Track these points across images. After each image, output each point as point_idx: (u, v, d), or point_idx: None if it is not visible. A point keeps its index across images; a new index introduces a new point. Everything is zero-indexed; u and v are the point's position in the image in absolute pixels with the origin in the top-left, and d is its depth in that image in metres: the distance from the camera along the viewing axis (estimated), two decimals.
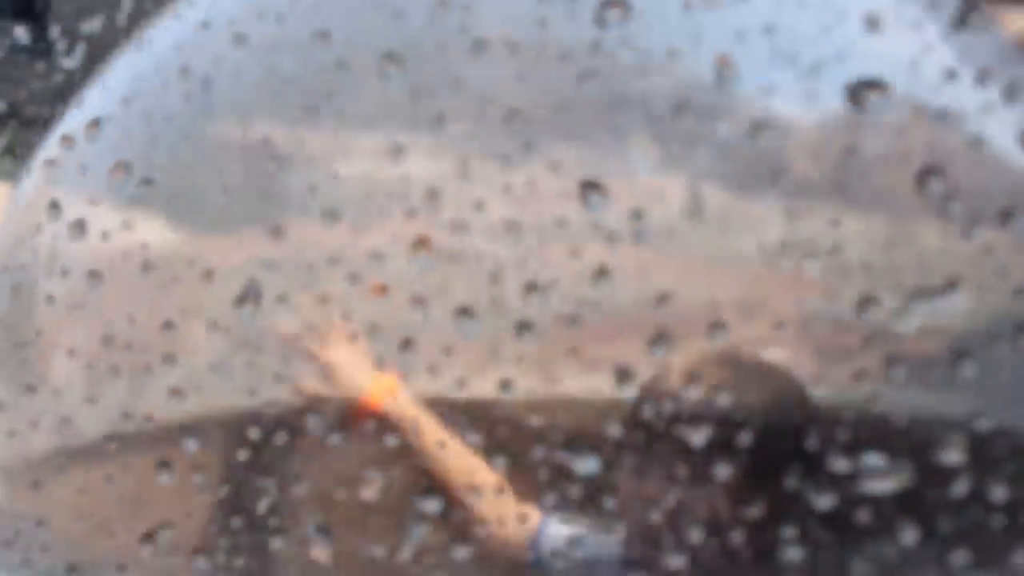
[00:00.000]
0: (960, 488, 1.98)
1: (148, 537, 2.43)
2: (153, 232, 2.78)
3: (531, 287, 2.33)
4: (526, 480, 2.44)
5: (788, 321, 2.36)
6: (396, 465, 2.58)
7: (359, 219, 2.58)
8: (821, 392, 2.42)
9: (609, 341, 2.48)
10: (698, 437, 2.23)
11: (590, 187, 2.29)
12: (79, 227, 2.77)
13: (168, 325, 2.71)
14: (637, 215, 2.28)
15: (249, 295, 2.53)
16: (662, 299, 2.28)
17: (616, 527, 2.54)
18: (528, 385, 2.46)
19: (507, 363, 2.41)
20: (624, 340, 2.43)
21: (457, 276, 2.47)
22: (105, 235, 2.77)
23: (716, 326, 2.24)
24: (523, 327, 2.33)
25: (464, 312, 2.30)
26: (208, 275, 2.66)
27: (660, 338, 2.26)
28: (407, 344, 2.40)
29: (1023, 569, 2.03)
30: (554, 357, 2.52)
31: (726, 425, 2.22)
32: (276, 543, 2.51)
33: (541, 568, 2.71)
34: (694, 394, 2.28)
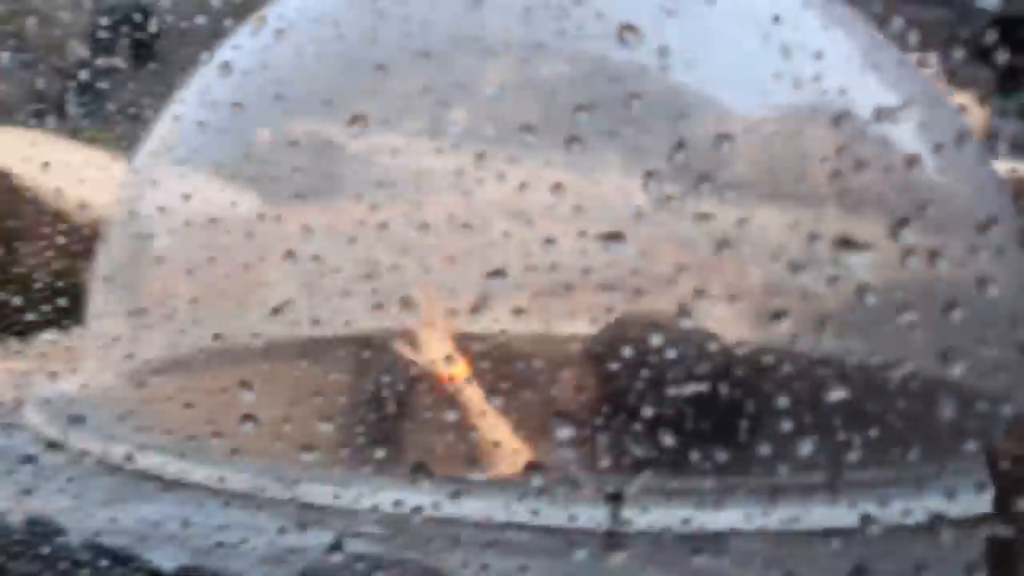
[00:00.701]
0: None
1: (215, 435, 2.74)
2: (241, 197, 3.31)
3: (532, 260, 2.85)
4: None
5: None
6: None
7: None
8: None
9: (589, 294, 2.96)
10: None
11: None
12: (184, 191, 3.28)
13: (247, 267, 3.26)
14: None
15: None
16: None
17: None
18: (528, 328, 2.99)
19: (505, 314, 2.85)
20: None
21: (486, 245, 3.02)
22: (205, 200, 3.29)
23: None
24: (518, 286, 2.84)
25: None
26: (275, 232, 3.18)
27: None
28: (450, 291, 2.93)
29: None
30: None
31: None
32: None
33: None
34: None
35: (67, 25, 14.61)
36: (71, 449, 2.87)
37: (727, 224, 2.84)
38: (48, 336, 4.13)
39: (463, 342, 2.97)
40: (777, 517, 2.45)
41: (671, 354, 2.69)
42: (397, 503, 2.50)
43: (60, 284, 4.78)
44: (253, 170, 3.32)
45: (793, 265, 2.92)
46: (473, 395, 2.83)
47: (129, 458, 2.76)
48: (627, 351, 2.72)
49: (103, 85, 14.27)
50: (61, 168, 5.08)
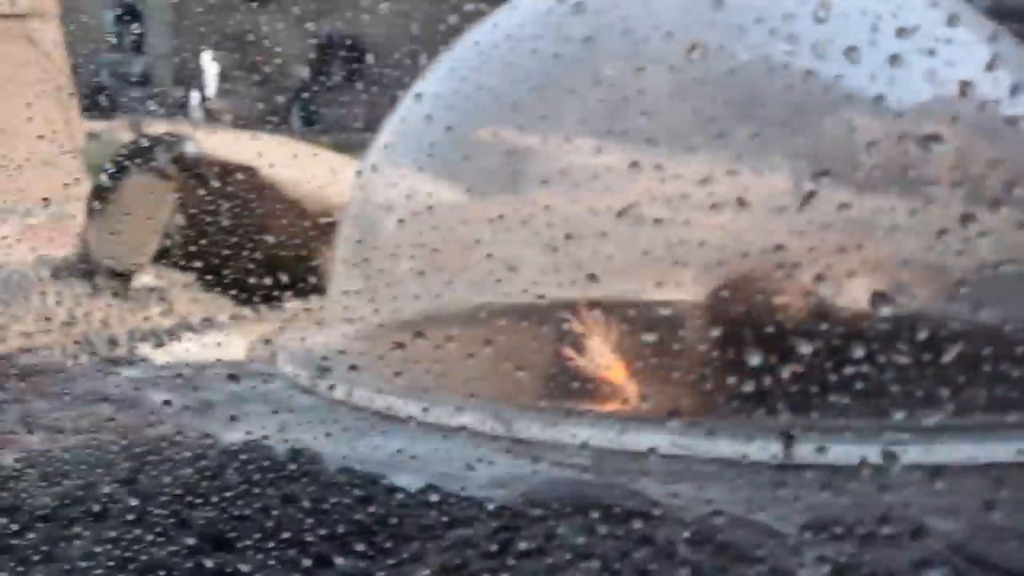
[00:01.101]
0: None
1: (439, 381, 2.77)
2: (450, 190, 3.32)
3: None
4: None
5: None
6: None
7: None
8: None
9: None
10: None
11: None
12: (404, 184, 3.31)
13: (455, 247, 3.24)
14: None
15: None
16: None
17: None
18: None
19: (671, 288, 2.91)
20: None
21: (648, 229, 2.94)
22: (422, 191, 3.30)
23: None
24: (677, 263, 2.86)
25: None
26: (477, 218, 3.21)
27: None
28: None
29: None
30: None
31: None
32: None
33: None
34: None
35: (289, 52, 14.84)
36: (320, 393, 2.86)
37: (864, 212, 2.81)
38: (292, 304, 4.15)
39: (632, 309, 2.93)
40: (936, 453, 2.38)
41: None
42: (598, 438, 2.45)
43: (300, 263, 4.83)
44: (460, 167, 3.31)
45: (925, 245, 2.82)
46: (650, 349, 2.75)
47: (369, 400, 2.74)
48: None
49: (320, 101, 14.47)
50: (296, 166, 5.15)
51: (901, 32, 2.89)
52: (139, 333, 3.51)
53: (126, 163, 4.38)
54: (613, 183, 3.08)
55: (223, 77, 14.19)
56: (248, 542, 1.78)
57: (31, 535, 1.81)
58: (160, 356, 3.26)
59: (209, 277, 4.69)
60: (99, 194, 4.31)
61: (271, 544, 1.79)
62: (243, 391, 2.89)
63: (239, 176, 5.01)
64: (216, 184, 5.13)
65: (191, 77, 14.15)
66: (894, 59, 2.83)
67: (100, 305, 4.66)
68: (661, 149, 3.03)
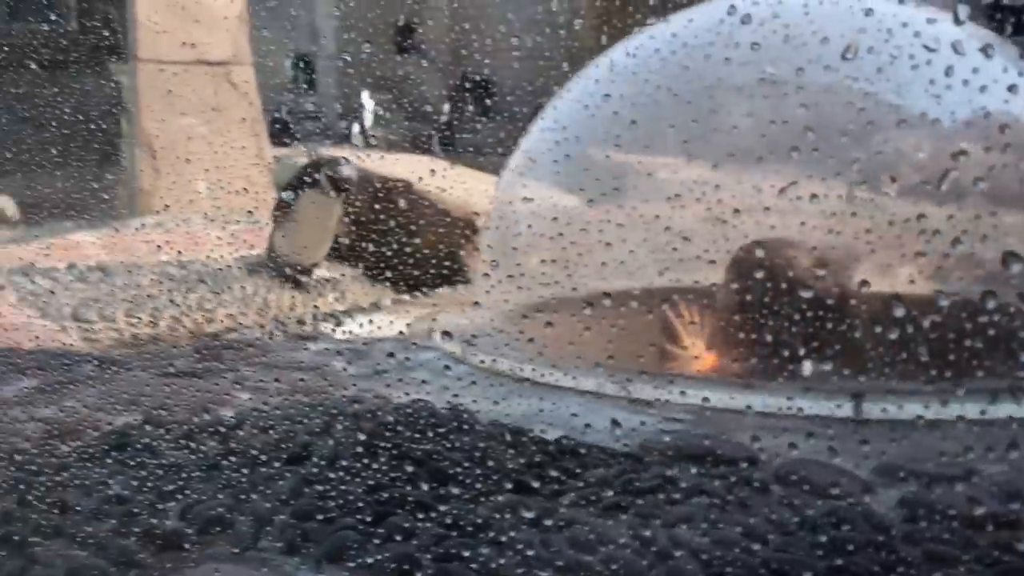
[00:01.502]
0: None
1: (569, 351, 2.73)
2: (572, 199, 3.30)
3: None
4: None
5: None
6: None
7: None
8: None
9: None
10: None
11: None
12: (535, 194, 3.32)
13: (576, 246, 3.23)
14: None
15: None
16: None
17: None
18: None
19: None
20: None
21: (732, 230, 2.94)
22: (550, 199, 3.31)
23: None
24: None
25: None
26: (595, 222, 3.19)
27: None
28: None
29: None
30: None
31: None
32: None
33: None
34: None
35: (432, 90, 14.95)
36: (470, 363, 2.87)
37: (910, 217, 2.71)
38: (442, 291, 4.19)
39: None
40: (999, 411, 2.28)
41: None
42: (699, 398, 2.42)
43: (446, 258, 4.87)
44: (579, 179, 3.26)
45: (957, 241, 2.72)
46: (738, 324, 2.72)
47: (511, 369, 2.74)
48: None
49: (457, 131, 14.54)
50: (439, 181, 5.20)
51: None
52: (320, 315, 3.56)
53: (301, 183, 4.54)
54: (702, 194, 3.04)
55: (378, 112, 14.36)
56: (422, 484, 1.79)
57: (246, 473, 1.85)
58: (338, 333, 3.31)
59: (373, 270, 4.77)
60: (281, 207, 4.48)
61: (439, 485, 1.81)
62: (407, 361, 2.91)
63: (396, 189, 5.08)
64: (374, 195, 5.20)
65: (353, 112, 14.34)
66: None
67: (286, 294, 4.74)
68: (743, 165, 3.02)
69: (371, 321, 3.46)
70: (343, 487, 1.75)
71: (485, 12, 14.21)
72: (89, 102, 5.56)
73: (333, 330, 3.35)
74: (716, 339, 2.76)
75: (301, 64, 15.45)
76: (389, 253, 4.86)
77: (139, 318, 4.29)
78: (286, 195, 4.56)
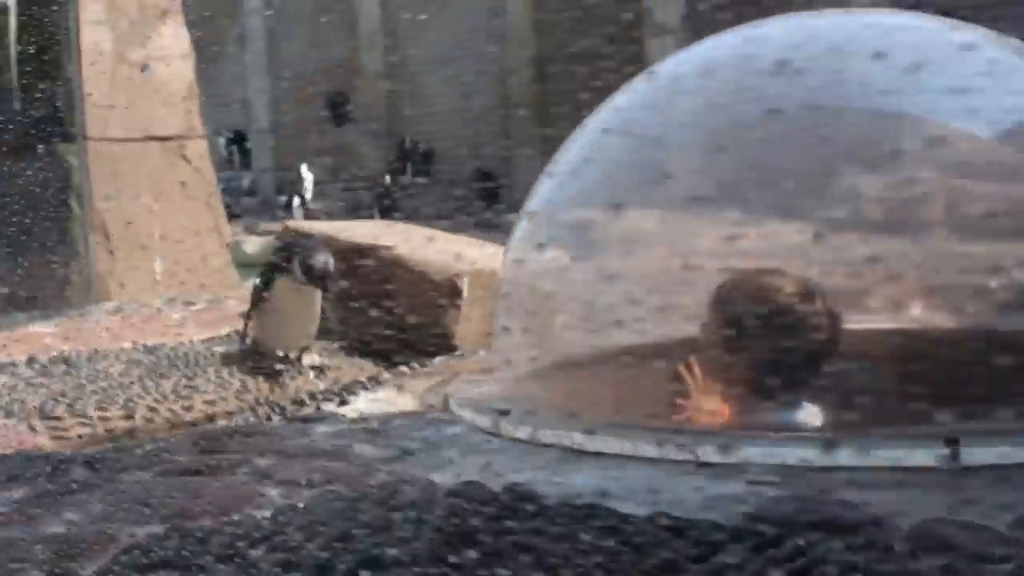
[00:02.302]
0: None
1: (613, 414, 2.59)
2: (582, 251, 3.10)
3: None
4: None
5: None
6: None
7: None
8: None
9: None
10: None
11: None
12: (552, 254, 3.11)
13: (585, 301, 3.03)
14: None
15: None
16: None
17: None
18: None
19: None
20: None
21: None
22: (561, 260, 3.10)
23: None
24: None
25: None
26: (605, 274, 3.01)
27: None
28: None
29: None
30: None
31: None
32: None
33: None
34: None
35: (371, 159, 14.74)
36: (505, 435, 2.59)
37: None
38: (441, 360, 3.92)
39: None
40: None
41: None
42: (775, 457, 2.18)
43: (433, 327, 4.60)
44: (589, 236, 3.08)
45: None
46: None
47: (555, 438, 2.47)
48: None
49: (398, 196, 14.32)
50: (410, 245, 4.97)
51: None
52: (320, 394, 3.26)
53: (272, 273, 4.24)
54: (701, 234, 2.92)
55: (317, 183, 14.11)
56: (526, 566, 1.52)
57: None
58: (345, 412, 3.01)
59: (361, 345, 4.49)
60: (256, 299, 4.17)
61: (542, 568, 1.54)
62: (433, 438, 2.64)
63: (370, 256, 4.82)
64: (349, 266, 4.93)
65: (291, 185, 14.07)
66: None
67: (271, 381, 4.43)
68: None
69: (375, 398, 3.18)
70: None
71: (421, 78, 14.09)
72: (36, 185, 5.23)
73: (339, 409, 3.05)
74: (774, 391, 2.50)
75: (233, 139, 15.15)
76: (372, 324, 4.58)
77: (112, 411, 3.95)
78: (258, 286, 4.24)
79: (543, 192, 3.17)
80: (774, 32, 3.23)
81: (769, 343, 2.40)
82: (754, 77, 2.96)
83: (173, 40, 5.65)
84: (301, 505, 2.00)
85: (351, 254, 5.16)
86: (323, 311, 4.23)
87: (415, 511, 1.86)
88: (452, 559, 1.60)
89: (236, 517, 1.96)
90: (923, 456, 2.12)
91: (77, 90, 5.30)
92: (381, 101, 14.59)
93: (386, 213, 13.98)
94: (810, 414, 2.39)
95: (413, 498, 1.98)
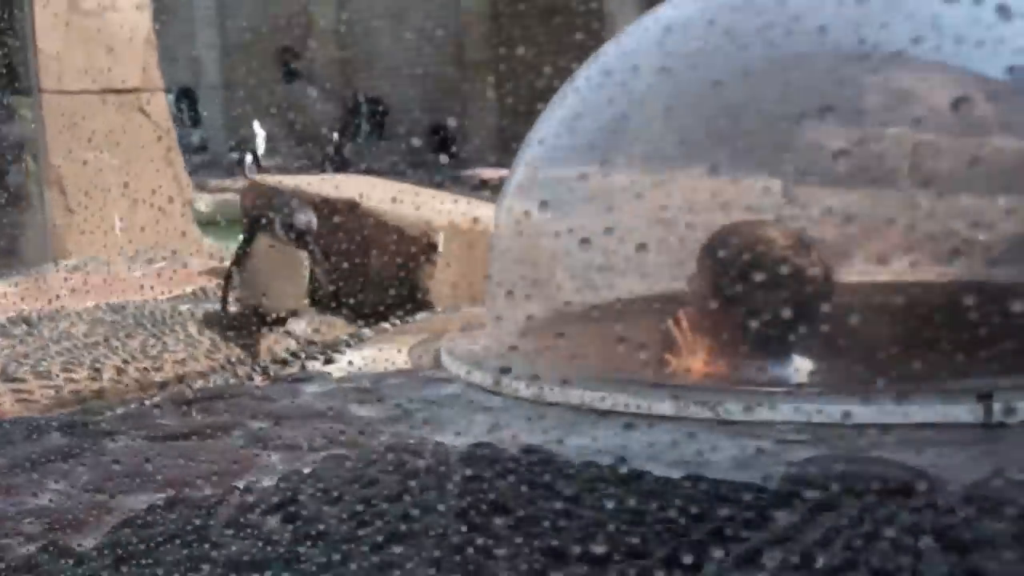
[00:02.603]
0: None
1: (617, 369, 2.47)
2: (563, 219, 2.94)
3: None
4: None
5: None
6: None
7: None
8: None
9: None
10: None
11: None
12: (532, 215, 2.96)
13: (568, 258, 2.90)
14: None
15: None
16: None
17: None
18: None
19: None
20: None
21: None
22: (541, 220, 2.96)
23: None
24: None
25: None
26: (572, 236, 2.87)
27: None
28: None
29: None
30: None
31: None
32: None
33: None
34: None
35: (323, 117, 14.46)
36: (507, 393, 2.46)
37: None
38: (422, 315, 3.79)
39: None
40: None
41: None
42: (804, 413, 2.08)
43: (402, 279, 4.47)
44: (580, 191, 2.90)
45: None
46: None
47: (562, 396, 2.34)
48: None
49: (350, 153, 14.07)
50: (390, 198, 4.84)
51: None
52: (305, 353, 3.11)
53: (252, 231, 4.10)
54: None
55: (269, 140, 13.82)
56: (596, 549, 1.39)
57: (345, 560, 1.43)
58: (332, 371, 2.87)
59: (333, 302, 4.34)
60: (238, 258, 4.02)
61: (587, 539, 1.42)
62: (431, 397, 2.51)
63: (342, 210, 4.67)
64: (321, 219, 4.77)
65: (243, 142, 13.77)
66: None
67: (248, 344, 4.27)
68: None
69: (363, 355, 3.03)
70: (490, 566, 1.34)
71: (373, 34, 13.81)
72: None
73: (324, 369, 2.91)
74: (778, 344, 2.39)
75: (183, 96, 14.78)
76: (344, 280, 4.44)
77: (79, 372, 3.78)
78: (240, 247, 4.10)
79: (534, 147, 3.02)
80: None
81: (768, 294, 2.29)
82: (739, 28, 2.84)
83: None
84: (307, 471, 1.87)
85: (319, 208, 4.99)
86: (313, 275, 4.07)
87: (433, 477, 1.74)
88: (486, 529, 1.47)
89: (240, 484, 1.82)
90: (957, 412, 2.02)
91: (30, 41, 5.05)
92: (333, 57, 14.29)
93: (339, 170, 13.72)
94: (823, 370, 2.28)
95: (427, 462, 1.85)
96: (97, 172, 5.16)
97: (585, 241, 2.81)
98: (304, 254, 3.86)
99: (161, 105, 5.60)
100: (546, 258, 2.87)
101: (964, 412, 2.04)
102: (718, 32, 2.91)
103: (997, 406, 2.02)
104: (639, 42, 3.08)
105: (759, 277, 2.35)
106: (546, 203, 2.86)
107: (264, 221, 3.86)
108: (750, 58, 2.81)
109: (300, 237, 3.75)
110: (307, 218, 3.73)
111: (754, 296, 2.38)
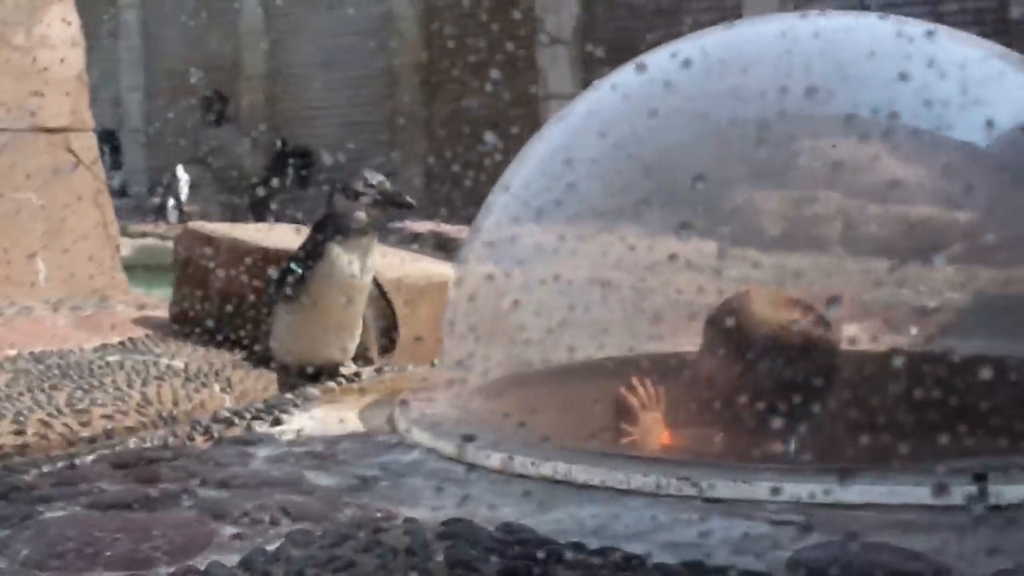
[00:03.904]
0: None
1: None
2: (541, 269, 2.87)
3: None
4: None
5: None
6: None
7: None
8: None
9: None
10: None
11: None
12: (498, 272, 2.87)
13: (535, 313, 2.81)
14: None
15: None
16: None
17: None
18: None
19: None
20: None
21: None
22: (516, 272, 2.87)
23: None
24: None
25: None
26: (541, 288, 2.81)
27: None
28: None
29: None
30: None
31: None
32: None
33: None
34: None
35: (249, 163, 14.22)
36: (474, 462, 2.33)
37: None
38: (364, 375, 3.62)
39: None
40: None
41: None
42: (793, 493, 1.98)
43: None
44: (542, 249, 2.82)
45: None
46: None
47: (534, 467, 2.21)
48: None
49: (276, 201, 13.84)
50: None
51: None
52: (250, 411, 2.95)
53: (317, 242, 3.27)
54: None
55: (192, 186, 13.54)
56: None
57: None
58: (283, 433, 2.71)
59: (270, 357, 4.16)
60: (285, 292, 3.35)
61: None
62: (391, 465, 2.36)
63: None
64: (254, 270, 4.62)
65: (166, 186, 13.46)
66: None
67: (168, 388, 4.09)
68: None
69: (312, 416, 2.88)
70: None
71: (302, 80, 13.66)
72: None
73: (271, 430, 2.75)
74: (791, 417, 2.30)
75: (103, 138, 14.43)
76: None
77: (1, 426, 3.57)
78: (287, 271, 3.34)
79: (497, 205, 2.92)
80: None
81: (788, 371, 2.19)
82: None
83: (62, 26, 5.21)
84: (271, 549, 1.72)
85: (259, 260, 4.85)
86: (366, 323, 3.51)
87: (414, 558, 1.61)
88: None
89: (200, 564, 1.67)
90: (950, 494, 1.95)
91: None
92: (261, 103, 14.11)
93: (262, 219, 13.48)
94: (813, 446, 2.20)
95: (404, 541, 1.72)
96: (22, 213, 4.94)
97: (552, 298, 2.73)
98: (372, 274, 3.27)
99: (90, 145, 5.40)
100: (510, 317, 2.76)
101: (957, 494, 1.96)
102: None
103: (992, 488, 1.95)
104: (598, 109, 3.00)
105: (785, 351, 2.26)
106: (512, 261, 2.76)
107: (331, 222, 3.15)
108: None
109: (394, 200, 3.16)
110: (379, 177, 3.14)
111: (775, 370, 2.28)
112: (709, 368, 2.31)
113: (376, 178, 3.13)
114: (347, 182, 3.16)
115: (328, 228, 3.18)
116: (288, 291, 3.22)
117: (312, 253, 3.20)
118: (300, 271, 3.19)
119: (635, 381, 2.55)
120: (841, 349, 2.31)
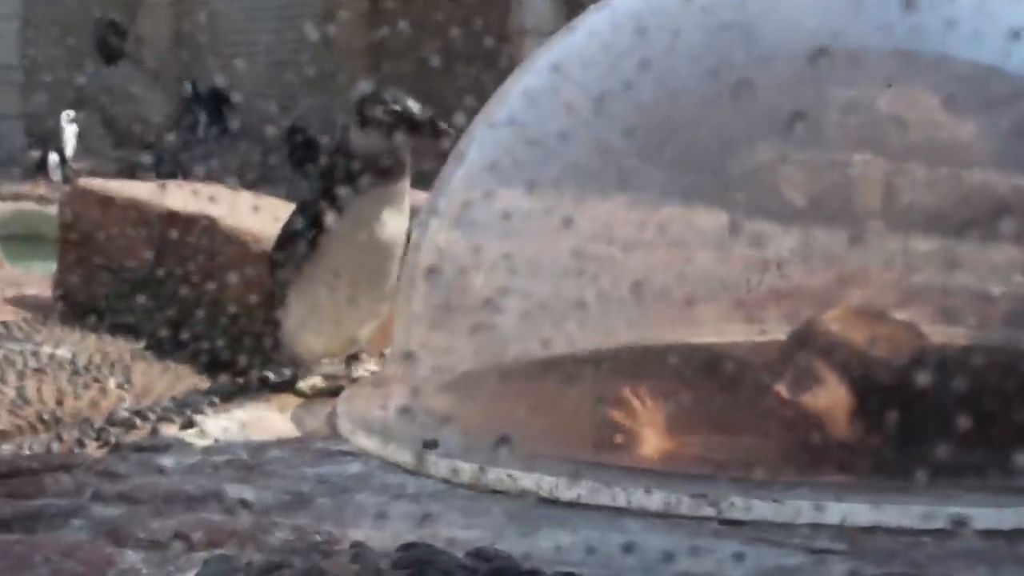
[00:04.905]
0: None
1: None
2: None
3: None
4: None
5: None
6: None
7: None
8: None
9: None
10: None
11: None
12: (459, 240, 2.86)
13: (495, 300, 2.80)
14: None
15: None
16: None
17: None
18: None
19: None
20: None
21: None
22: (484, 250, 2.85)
23: None
24: None
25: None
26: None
27: None
28: None
29: None
30: None
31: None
32: None
33: None
34: None
35: (152, 108, 14.11)
36: (435, 474, 2.31)
37: None
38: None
39: None
40: None
41: None
42: (829, 515, 1.97)
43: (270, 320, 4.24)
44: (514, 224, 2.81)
45: None
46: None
47: (509, 482, 2.19)
48: None
49: (187, 154, 13.77)
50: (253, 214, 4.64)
51: None
52: (156, 413, 2.90)
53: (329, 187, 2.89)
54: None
55: (81, 137, 13.39)
56: None
57: None
58: (194, 437, 2.67)
59: (176, 344, 4.10)
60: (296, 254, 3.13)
61: None
62: (332, 477, 2.34)
63: (192, 228, 4.46)
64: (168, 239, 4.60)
65: (47, 138, 13.31)
66: None
67: (48, 388, 4.03)
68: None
69: (232, 418, 2.83)
70: None
71: (219, 12, 13.55)
72: None
73: (182, 434, 2.71)
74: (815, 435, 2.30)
75: None
76: (192, 318, 4.22)
77: None
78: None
79: (455, 175, 2.89)
80: None
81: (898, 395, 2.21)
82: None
83: None
84: None
85: (163, 225, 4.80)
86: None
87: None
88: None
89: None
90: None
91: None
92: (167, 35, 13.98)
93: (170, 176, 13.37)
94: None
95: (351, 570, 1.69)
96: None
97: (535, 278, 2.72)
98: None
99: None
100: (481, 300, 2.73)
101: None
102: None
103: None
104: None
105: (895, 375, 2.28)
106: (485, 228, 2.73)
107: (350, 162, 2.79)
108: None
109: (429, 127, 2.79)
110: (411, 101, 2.78)
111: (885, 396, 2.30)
112: (796, 394, 2.33)
113: (402, 100, 2.77)
114: (362, 107, 2.75)
115: (342, 172, 2.84)
116: (300, 261, 2.92)
117: (326, 208, 2.85)
118: (312, 234, 2.88)
119: (627, 393, 2.52)
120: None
